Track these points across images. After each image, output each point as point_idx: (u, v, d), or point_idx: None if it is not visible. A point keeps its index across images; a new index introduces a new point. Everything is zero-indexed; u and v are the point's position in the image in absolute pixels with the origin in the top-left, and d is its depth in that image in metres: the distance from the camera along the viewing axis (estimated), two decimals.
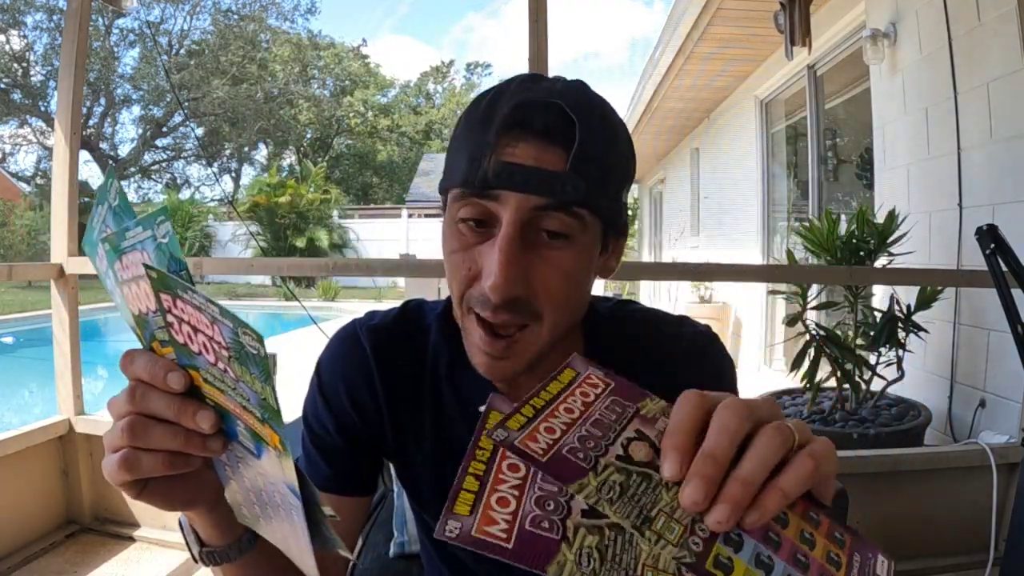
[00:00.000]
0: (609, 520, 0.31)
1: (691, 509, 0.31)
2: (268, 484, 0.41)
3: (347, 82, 27.34)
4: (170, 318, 0.38)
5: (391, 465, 0.75)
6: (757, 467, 0.32)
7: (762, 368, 4.73)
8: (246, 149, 25.85)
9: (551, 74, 0.59)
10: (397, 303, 0.72)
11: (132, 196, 24.87)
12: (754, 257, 4.97)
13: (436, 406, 0.65)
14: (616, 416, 0.36)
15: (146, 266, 0.38)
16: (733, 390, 0.65)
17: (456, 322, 0.61)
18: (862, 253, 2.39)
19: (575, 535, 0.31)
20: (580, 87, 0.55)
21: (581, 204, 0.50)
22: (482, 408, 0.40)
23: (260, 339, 0.34)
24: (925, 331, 2.32)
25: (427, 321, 0.68)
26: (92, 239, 0.43)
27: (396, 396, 0.65)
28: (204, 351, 0.37)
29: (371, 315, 0.70)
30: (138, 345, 0.43)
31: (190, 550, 0.52)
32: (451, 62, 32.05)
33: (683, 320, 0.69)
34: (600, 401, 0.37)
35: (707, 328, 0.69)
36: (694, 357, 0.65)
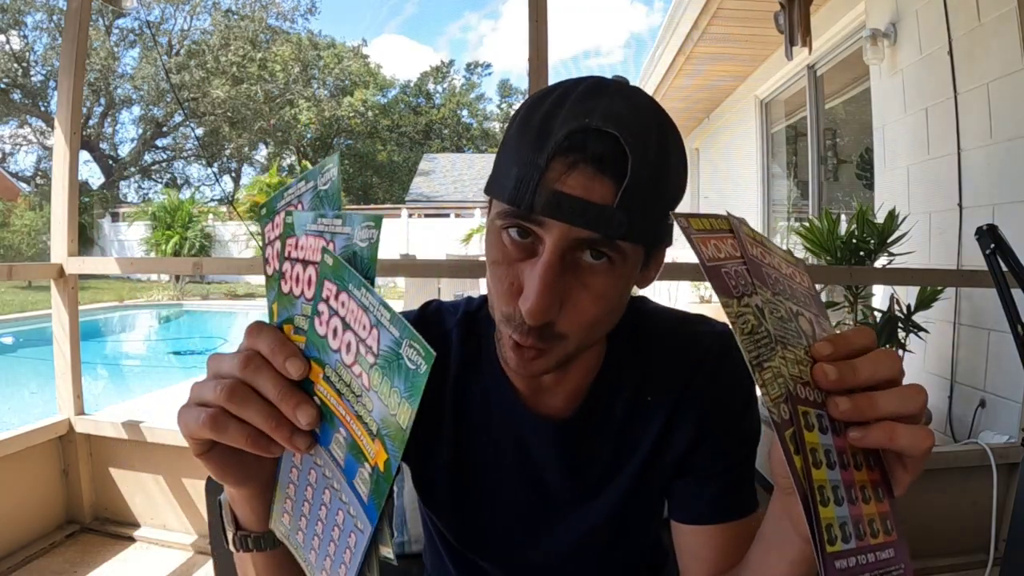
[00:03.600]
0: (770, 322, 0.38)
1: (821, 374, 0.37)
2: (338, 501, 0.40)
3: (347, 82, 27.33)
4: (322, 307, 0.38)
5: None
6: (871, 375, 0.38)
7: None
8: (246, 149, 25.86)
9: (551, 73, 0.58)
10: (397, 303, 0.72)
11: (132, 196, 24.89)
12: None
13: (456, 414, 0.65)
14: (805, 300, 0.43)
15: (324, 249, 0.38)
16: (751, 390, 0.65)
17: (476, 327, 0.64)
18: (862, 253, 2.39)
19: (749, 298, 0.38)
20: (642, 107, 0.52)
21: (625, 238, 0.50)
22: None
23: (428, 358, 0.32)
24: (925, 331, 2.32)
25: (447, 326, 0.67)
26: (275, 207, 0.44)
27: None
28: (344, 350, 0.37)
29: None
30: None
31: (224, 533, 0.52)
32: (451, 62, 32.10)
33: (702, 319, 0.68)
34: (809, 290, 0.45)
35: (726, 327, 0.68)
36: (715, 356, 0.64)
